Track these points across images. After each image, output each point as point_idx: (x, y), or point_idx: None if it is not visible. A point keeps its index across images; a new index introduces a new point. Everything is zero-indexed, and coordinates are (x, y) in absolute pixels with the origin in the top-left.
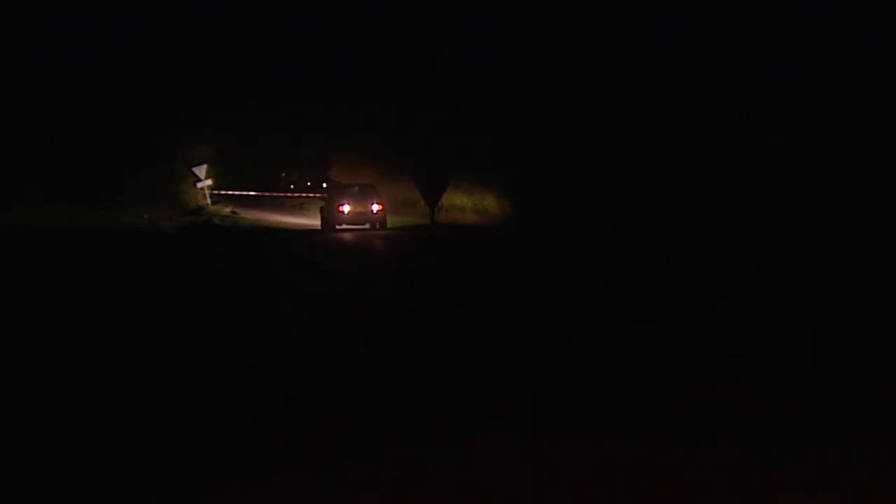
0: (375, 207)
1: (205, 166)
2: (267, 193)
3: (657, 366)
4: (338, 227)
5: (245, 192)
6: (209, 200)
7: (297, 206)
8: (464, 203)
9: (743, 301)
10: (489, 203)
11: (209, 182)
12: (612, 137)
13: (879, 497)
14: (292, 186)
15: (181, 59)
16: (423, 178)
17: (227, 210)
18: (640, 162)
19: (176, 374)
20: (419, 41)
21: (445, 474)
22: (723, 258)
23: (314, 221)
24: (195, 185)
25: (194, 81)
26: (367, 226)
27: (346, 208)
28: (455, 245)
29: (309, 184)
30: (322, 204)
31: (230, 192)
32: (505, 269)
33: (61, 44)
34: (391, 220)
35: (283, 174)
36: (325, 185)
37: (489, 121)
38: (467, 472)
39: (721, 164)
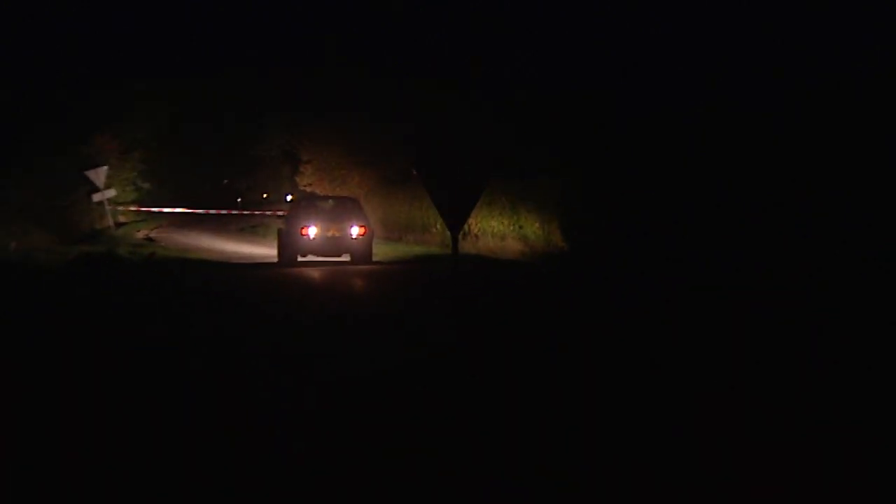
0: (355, 231)
1: (104, 169)
2: (203, 211)
3: None
4: (300, 258)
5: (172, 209)
6: (112, 221)
7: (248, 229)
8: (501, 227)
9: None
10: (537, 228)
11: (112, 193)
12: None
13: None
14: (240, 200)
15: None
16: (443, 189)
17: (141, 235)
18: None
19: None
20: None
21: None
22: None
23: (271, 251)
24: (91, 198)
25: (94, 44)
26: (344, 257)
27: (313, 231)
28: (491, 295)
29: (265, 195)
30: (280, 225)
31: (149, 210)
32: (585, 347)
33: None
34: (390, 250)
35: (226, 181)
36: (289, 197)
37: (541, 116)
38: None
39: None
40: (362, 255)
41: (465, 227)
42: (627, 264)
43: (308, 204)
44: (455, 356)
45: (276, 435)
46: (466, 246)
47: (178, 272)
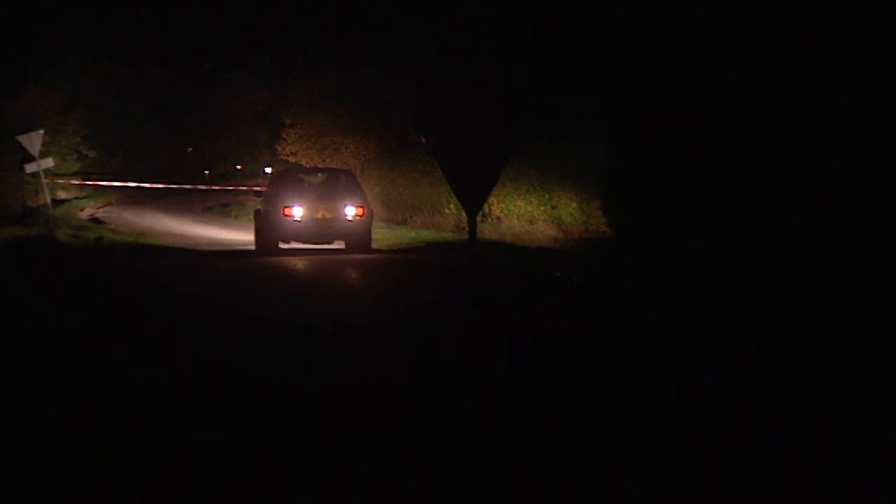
0: (351, 211)
1: (39, 133)
2: (162, 185)
3: None
4: (283, 244)
5: (123, 183)
6: (49, 197)
7: (217, 208)
8: (530, 209)
9: None
10: (574, 209)
11: (50, 163)
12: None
13: None
14: (207, 172)
15: None
16: (457, 159)
17: (86, 214)
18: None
19: None
20: None
21: None
22: None
23: (245, 235)
24: (23, 169)
25: None
26: (336, 244)
27: (298, 212)
28: (519, 294)
29: (238, 167)
30: (258, 205)
31: (95, 183)
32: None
33: None
34: (392, 235)
35: (190, 149)
36: (269, 170)
37: (581, 72)
38: None
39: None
40: (359, 241)
41: (485, 207)
42: (692, 259)
43: (292, 178)
44: (472, 377)
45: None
46: (487, 231)
47: (130, 262)
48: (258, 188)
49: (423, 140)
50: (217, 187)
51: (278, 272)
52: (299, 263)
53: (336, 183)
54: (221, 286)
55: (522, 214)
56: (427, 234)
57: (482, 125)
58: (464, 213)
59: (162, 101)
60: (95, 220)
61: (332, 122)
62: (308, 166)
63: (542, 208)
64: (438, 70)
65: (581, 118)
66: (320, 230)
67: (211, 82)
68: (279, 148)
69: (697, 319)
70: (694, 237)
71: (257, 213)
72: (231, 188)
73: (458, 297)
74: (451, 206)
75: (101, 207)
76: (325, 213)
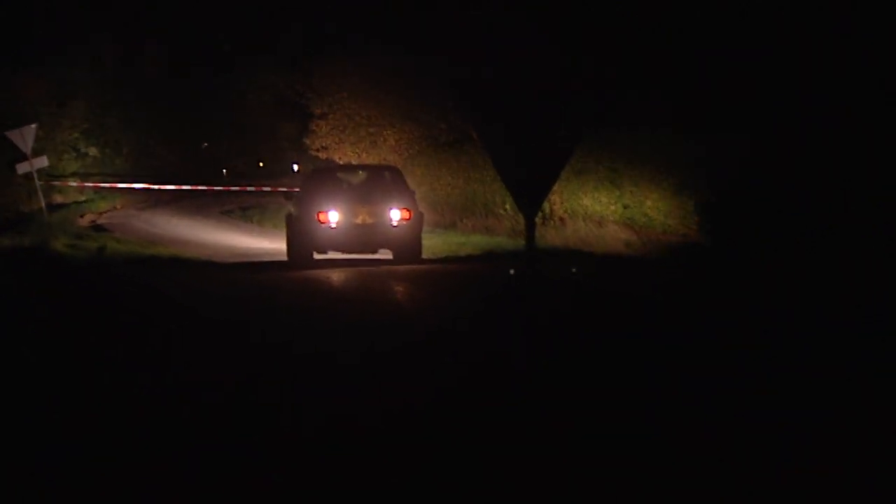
0: (396, 216)
1: (32, 128)
2: (174, 187)
3: None
4: (318, 255)
5: (129, 185)
6: (43, 201)
7: (237, 212)
8: (598, 208)
9: None
10: (650, 208)
11: (44, 162)
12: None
13: None
14: (225, 171)
15: None
16: (513, 154)
17: (86, 221)
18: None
19: None
20: None
21: None
22: None
23: (274, 244)
24: (14, 170)
25: None
26: (381, 253)
27: (334, 217)
28: (600, 320)
29: (261, 165)
30: (290, 208)
31: (96, 186)
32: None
33: None
34: (440, 241)
35: (205, 145)
36: (296, 167)
37: (659, 53)
38: None
39: None
40: (407, 250)
41: (545, 207)
42: (814, 275)
43: (327, 177)
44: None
45: None
46: (549, 235)
47: (137, 278)
48: (284, 189)
49: (475, 133)
50: (236, 188)
51: (314, 290)
52: (334, 278)
53: (378, 182)
54: (248, 307)
55: (589, 215)
56: (479, 240)
57: (541, 116)
58: (521, 216)
59: (172, 89)
60: (98, 228)
61: (370, 112)
62: (345, 163)
63: (612, 207)
64: (494, 55)
65: (653, 105)
66: (360, 238)
67: (230, 66)
68: (308, 142)
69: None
70: (824, 256)
71: (289, 218)
72: (252, 189)
73: (511, 324)
74: (507, 206)
75: (105, 213)
76: (365, 217)
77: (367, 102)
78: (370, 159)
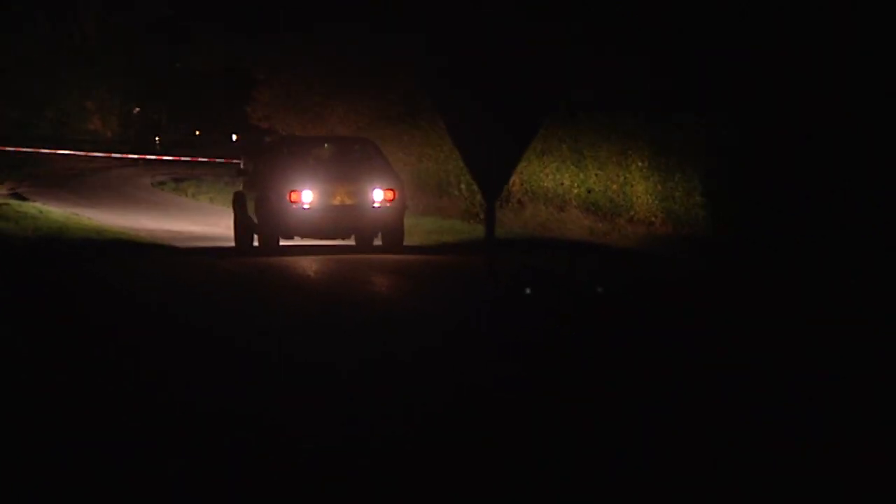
0: (378, 196)
1: None
2: (99, 154)
3: None
4: (284, 239)
5: (40, 150)
6: None
7: (169, 184)
8: (561, 191)
9: None
10: (616, 192)
11: None
12: None
13: None
14: (158, 140)
15: None
16: (474, 130)
17: (6, 188)
18: None
19: None
20: None
21: None
22: None
23: (209, 227)
24: None
25: None
26: (360, 240)
27: (309, 197)
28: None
29: (197, 133)
30: (240, 186)
31: (21, 150)
32: None
33: None
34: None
35: (137, 110)
36: (235, 137)
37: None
38: None
39: None
40: (391, 235)
41: (505, 188)
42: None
43: (293, 150)
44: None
45: None
46: (506, 219)
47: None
48: (223, 160)
49: (436, 109)
50: (170, 157)
51: (290, 285)
52: (307, 266)
53: (353, 157)
54: (204, 301)
55: (550, 199)
56: (427, 222)
57: (508, 88)
58: (477, 197)
59: (94, 48)
60: (16, 194)
61: (316, 81)
62: (311, 136)
63: (576, 191)
64: (454, 20)
65: (627, 83)
66: (338, 222)
67: (167, 31)
68: (249, 110)
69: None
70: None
71: (238, 198)
72: (187, 159)
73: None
74: (463, 186)
75: (20, 182)
76: (343, 198)
77: (315, 69)
78: (314, 131)
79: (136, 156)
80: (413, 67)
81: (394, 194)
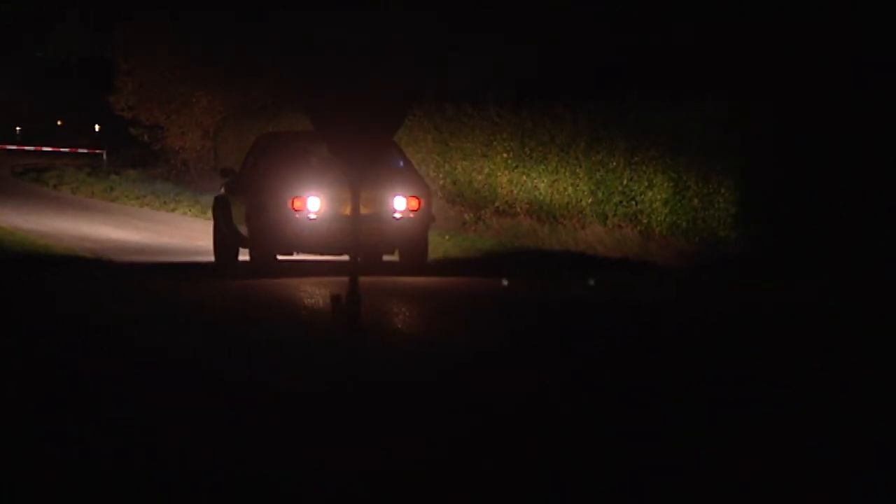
0: (400, 204)
1: None
2: None
3: None
4: (281, 255)
5: None
6: None
7: (31, 175)
8: (537, 190)
9: None
10: (653, 197)
11: None
12: None
13: None
14: (19, 130)
15: None
16: (336, 117)
17: None
18: None
19: None
20: None
21: None
22: None
23: (93, 227)
24: None
25: None
26: (366, 256)
27: (315, 205)
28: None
29: (59, 124)
30: (222, 190)
31: None
32: None
33: None
34: None
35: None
36: (97, 127)
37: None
38: None
39: None
40: (412, 252)
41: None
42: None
43: (291, 148)
44: None
45: None
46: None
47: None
48: (86, 150)
49: (299, 98)
50: (31, 147)
51: (291, 319)
52: (313, 293)
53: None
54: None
55: (533, 200)
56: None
57: (371, 79)
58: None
59: None
60: None
61: (180, 71)
62: (307, 130)
63: (441, 182)
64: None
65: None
66: (349, 235)
67: (25, 23)
68: (112, 100)
69: None
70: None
71: (220, 204)
72: (50, 149)
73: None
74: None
75: None
76: (359, 207)
77: (179, 59)
78: (180, 122)
79: (39, 147)
80: (279, 59)
81: (419, 203)
